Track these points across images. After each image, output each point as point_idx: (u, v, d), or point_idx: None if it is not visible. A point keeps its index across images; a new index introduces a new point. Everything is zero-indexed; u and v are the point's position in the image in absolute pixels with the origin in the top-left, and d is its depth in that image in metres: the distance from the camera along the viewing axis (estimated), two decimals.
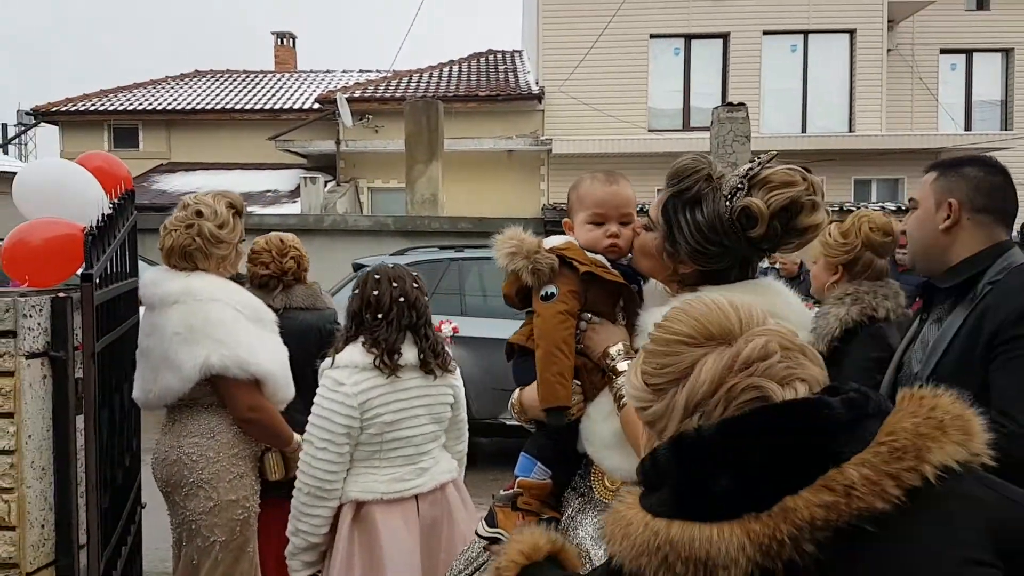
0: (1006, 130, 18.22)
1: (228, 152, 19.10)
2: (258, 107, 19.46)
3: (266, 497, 2.97)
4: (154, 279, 2.86)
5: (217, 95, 20.30)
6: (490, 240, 1.97)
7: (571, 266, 1.85)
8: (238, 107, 19.40)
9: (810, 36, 17.91)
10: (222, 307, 2.78)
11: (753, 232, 1.57)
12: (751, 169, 1.59)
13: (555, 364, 1.80)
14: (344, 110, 16.25)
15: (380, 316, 2.61)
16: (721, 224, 1.61)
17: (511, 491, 1.94)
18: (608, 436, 1.77)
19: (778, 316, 1.56)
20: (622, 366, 1.75)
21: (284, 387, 2.92)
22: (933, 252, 2.06)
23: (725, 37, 17.87)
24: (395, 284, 2.64)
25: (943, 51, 18.44)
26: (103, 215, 2.58)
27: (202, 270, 2.87)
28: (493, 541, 1.87)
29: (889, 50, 17.87)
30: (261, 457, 2.97)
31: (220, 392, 2.80)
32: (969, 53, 18.52)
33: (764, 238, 1.58)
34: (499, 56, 20.70)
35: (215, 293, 2.80)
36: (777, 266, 8.31)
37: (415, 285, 2.69)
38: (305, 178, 15.88)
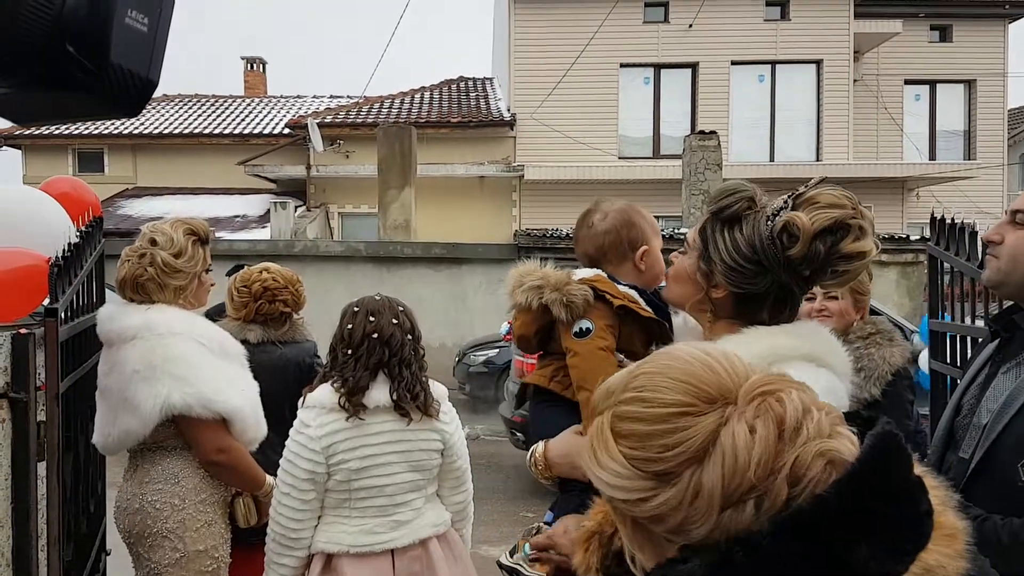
0: (969, 159, 18.57)
1: (196, 177, 18.85)
2: (227, 132, 19.27)
3: (240, 544, 2.81)
4: (110, 314, 2.67)
5: (185, 119, 20.07)
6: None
7: (604, 299, 1.74)
8: (207, 131, 19.20)
9: (777, 66, 18.18)
10: (183, 341, 2.59)
11: (793, 251, 1.43)
12: (798, 191, 1.49)
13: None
14: (315, 135, 16.13)
15: (350, 352, 2.45)
16: (760, 241, 1.48)
17: (536, 525, 1.84)
18: None
19: (821, 361, 1.47)
20: None
21: (254, 426, 2.73)
22: None
23: (694, 67, 18.08)
24: (372, 318, 2.46)
25: (907, 82, 18.82)
26: (69, 244, 2.43)
27: (159, 302, 2.69)
28: (512, 572, 1.77)
29: (855, 80, 18.19)
30: (232, 502, 2.78)
31: (184, 433, 2.62)
32: (933, 84, 18.92)
33: (805, 260, 1.44)
34: (470, 83, 20.74)
35: (175, 326, 2.61)
36: None
37: (394, 321, 2.48)
38: (275, 203, 15.70)
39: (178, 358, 2.55)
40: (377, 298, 2.57)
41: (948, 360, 3.03)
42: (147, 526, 2.62)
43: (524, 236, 12.76)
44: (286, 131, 18.65)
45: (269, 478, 2.72)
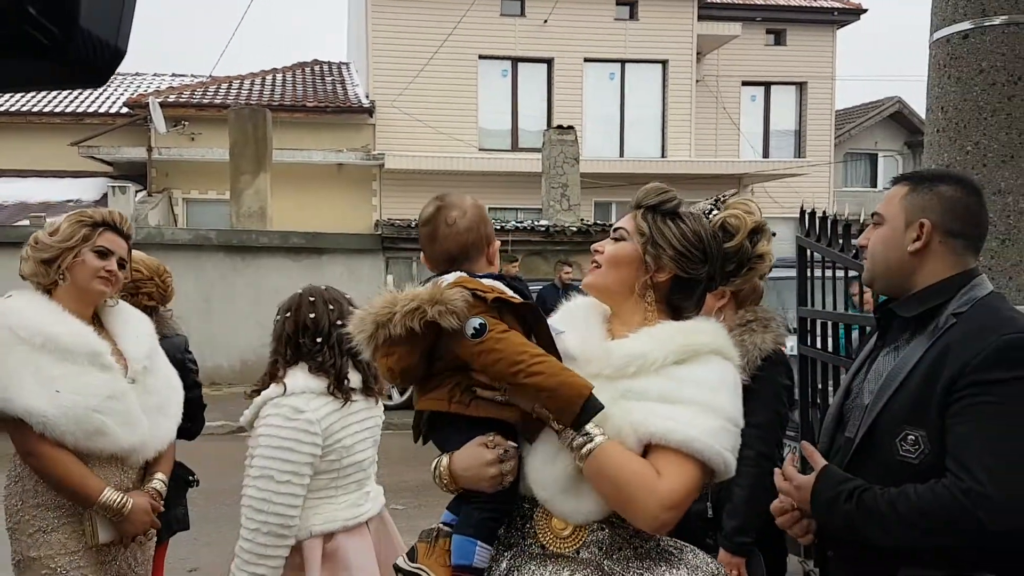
0: (800, 157, 19.99)
1: (23, 158, 17.27)
2: (59, 110, 17.81)
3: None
4: None
5: (12, 96, 18.42)
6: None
7: (477, 297, 1.69)
8: (35, 110, 17.67)
9: (627, 65, 18.87)
10: None
11: (730, 244, 1.69)
12: (720, 197, 1.73)
13: (549, 363, 1.63)
14: (157, 115, 15.24)
15: (320, 340, 2.49)
16: (704, 231, 1.71)
17: (435, 528, 1.81)
18: (562, 478, 1.65)
19: (726, 355, 1.71)
20: None
21: (87, 435, 2.44)
22: (897, 274, 1.89)
23: (550, 62, 18.45)
24: (331, 307, 2.53)
25: (745, 83, 20.01)
26: None
27: (31, 280, 2.56)
28: None
29: (697, 81, 19.14)
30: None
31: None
32: (768, 85, 20.21)
33: (735, 254, 1.71)
34: (325, 67, 20.22)
35: None
36: None
37: (350, 308, 2.52)
38: (113, 187, 14.76)
39: None
40: (324, 287, 2.63)
41: (817, 345, 3.29)
42: (2, 520, 2.51)
43: (388, 226, 12.63)
44: (124, 110, 17.49)
45: (110, 492, 2.49)
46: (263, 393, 2.46)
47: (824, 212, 3.16)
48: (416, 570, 1.71)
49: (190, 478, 3.31)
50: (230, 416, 10.08)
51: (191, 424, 3.23)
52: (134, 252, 3.23)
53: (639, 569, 1.65)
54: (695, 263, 1.70)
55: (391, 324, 1.63)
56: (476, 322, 1.65)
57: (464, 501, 1.74)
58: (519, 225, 13.14)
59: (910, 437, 1.72)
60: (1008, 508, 1.59)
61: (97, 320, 2.68)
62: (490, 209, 17.34)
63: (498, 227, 14.46)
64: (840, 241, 2.97)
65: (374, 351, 1.69)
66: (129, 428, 2.54)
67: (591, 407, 1.59)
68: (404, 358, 1.70)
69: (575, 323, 1.81)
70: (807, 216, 3.31)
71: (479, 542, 1.69)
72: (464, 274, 1.77)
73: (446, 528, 1.77)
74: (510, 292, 1.77)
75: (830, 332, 3.18)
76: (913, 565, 1.70)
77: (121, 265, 2.68)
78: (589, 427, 1.62)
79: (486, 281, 1.75)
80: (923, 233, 1.84)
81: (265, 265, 11.93)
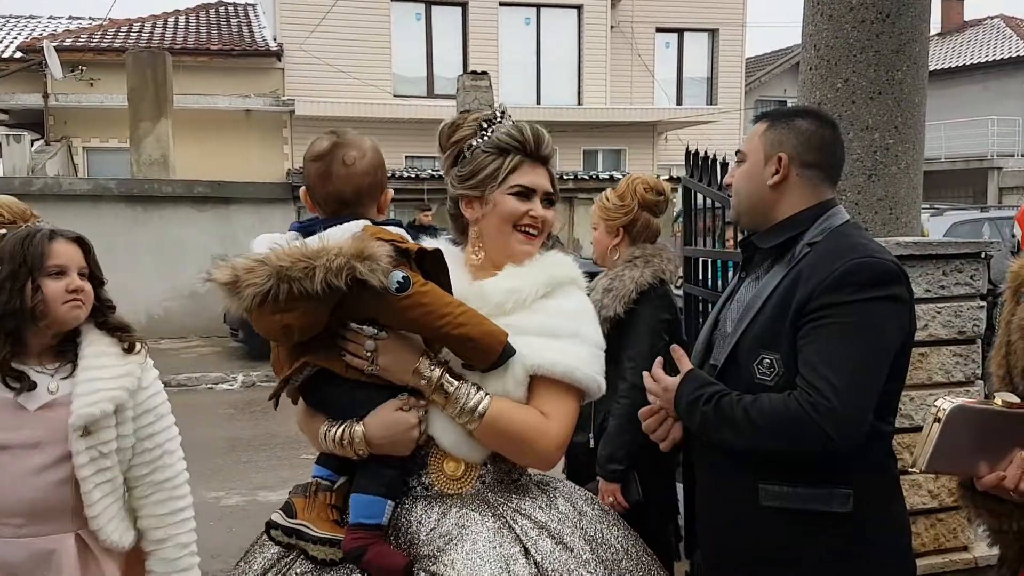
0: (712, 104, 20.27)
1: None
2: None
3: None
4: None
5: None
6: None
7: (398, 250, 1.65)
8: None
9: (542, 10, 18.69)
10: None
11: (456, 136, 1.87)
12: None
13: (470, 313, 1.65)
14: (52, 60, 14.46)
15: None
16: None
17: (311, 482, 1.74)
18: (462, 435, 1.69)
19: (580, 285, 1.83)
20: (449, 379, 1.66)
21: None
22: (759, 208, 1.95)
23: (464, 5, 18.13)
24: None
25: (658, 30, 20.08)
26: None
27: None
28: (293, 534, 1.66)
29: (612, 27, 19.11)
30: None
31: None
32: (681, 32, 20.32)
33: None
34: (230, 8, 19.42)
35: None
36: None
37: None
38: (7, 136, 14.01)
39: None
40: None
41: (699, 283, 3.39)
42: None
43: (299, 174, 12.36)
44: (18, 55, 16.55)
45: None
46: None
47: (705, 152, 3.23)
48: (297, 526, 1.66)
49: None
50: None
51: None
52: (2, 196, 3.07)
53: (520, 499, 1.72)
54: (462, 181, 1.84)
55: (308, 280, 1.54)
56: (399, 276, 1.60)
57: (370, 461, 1.69)
58: (434, 174, 13.03)
59: (766, 361, 1.81)
60: (850, 420, 1.70)
61: None
62: (406, 157, 17.11)
63: (413, 175, 14.33)
64: (721, 180, 3.04)
65: (258, 307, 1.57)
66: None
67: (508, 353, 1.66)
68: (308, 314, 1.60)
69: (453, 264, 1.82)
70: (690, 156, 3.37)
71: (388, 500, 1.68)
72: (367, 222, 1.71)
73: (325, 482, 1.74)
74: (411, 240, 1.73)
75: (709, 270, 3.29)
76: (771, 479, 1.81)
77: None
78: (472, 389, 1.67)
79: (392, 229, 1.71)
80: (780, 167, 1.90)
81: (169, 216, 11.58)
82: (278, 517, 1.69)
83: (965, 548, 2.84)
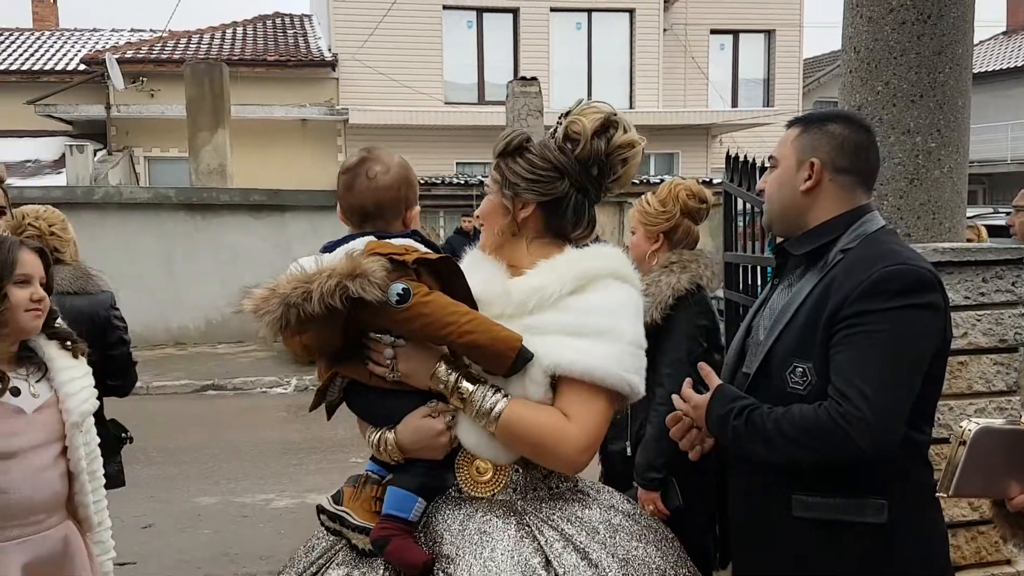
0: (768, 106, 19.95)
1: None
2: (14, 68, 17.43)
3: None
4: None
5: None
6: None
7: (395, 262, 1.67)
8: None
9: (594, 14, 18.66)
10: None
11: (579, 151, 1.74)
12: (565, 112, 1.80)
13: (478, 320, 1.66)
14: (114, 71, 14.95)
15: None
16: (550, 152, 1.76)
17: (363, 475, 1.82)
18: (484, 437, 1.70)
19: (625, 278, 1.76)
20: (465, 384, 1.67)
21: None
22: (791, 214, 1.92)
23: (515, 12, 18.20)
24: None
25: (713, 31, 19.86)
26: None
27: None
28: (337, 519, 1.74)
29: (665, 30, 18.97)
30: None
31: None
32: (736, 34, 20.07)
33: (590, 158, 1.75)
34: (287, 19, 19.84)
35: None
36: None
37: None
38: (71, 146, 14.51)
39: None
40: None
41: (741, 289, 3.34)
42: None
43: None
44: (81, 67, 17.15)
45: None
46: None
47: (745, 156, 3.19)
48: (341, 512, 1.74)
49: (123, 435, 3.32)
50: (194, 375, 10.10)
51: (122, 381, 3.25)
52: (32, 207, 3.16)
53: (551, 509, 1.70)
54: (550, 183, 1.75)
55: (308, 303, 1.58)
56: (399, 288, 1.62)
57: (414, 466, 1.74)
58: (483, 179, 13.09)
59: (798, 369, 1.78)
60: (881, 430, 1.66)
61: None
62: (456, 164, 17.21)
63: (463, 182, 14.42)
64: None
65: (281, 331, 1.64)
66: None
67: (523, 358, 1.64)
68: (320, 334, 1.67)
69: (479, 267, 1.82)
70: (731, 161, 3.33)
71: (420, 498, 1.72)
72: (372, 238, 1.74)
73: (374, 476, 1.80)
74: (424, 249, 1.75)
75: (750, 277, 3.24)
76: (804, 490, 1.78)
77: None
78: (489, 392, 1.67)
79: (397, 241, 1.73)
80: (813, 172, 1.87)
81: (226, 223, 11.83)
82: (325, 502, 1.79)
83: (1008, 562, 2.75)
